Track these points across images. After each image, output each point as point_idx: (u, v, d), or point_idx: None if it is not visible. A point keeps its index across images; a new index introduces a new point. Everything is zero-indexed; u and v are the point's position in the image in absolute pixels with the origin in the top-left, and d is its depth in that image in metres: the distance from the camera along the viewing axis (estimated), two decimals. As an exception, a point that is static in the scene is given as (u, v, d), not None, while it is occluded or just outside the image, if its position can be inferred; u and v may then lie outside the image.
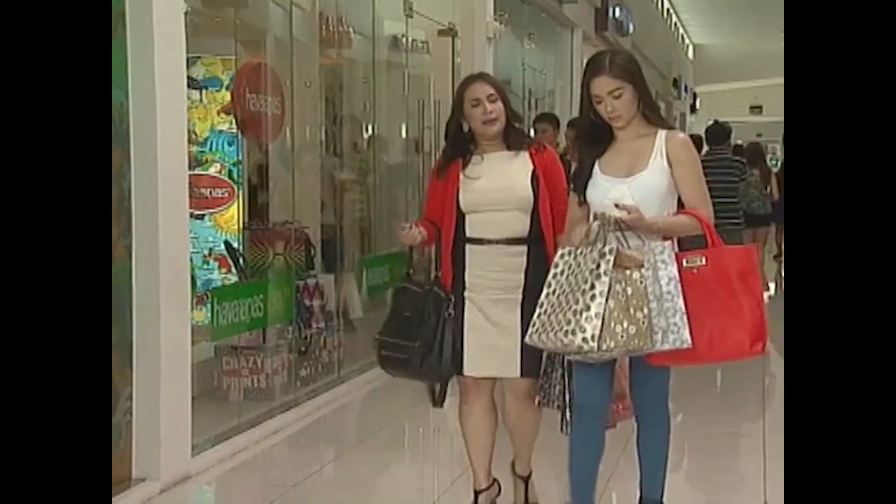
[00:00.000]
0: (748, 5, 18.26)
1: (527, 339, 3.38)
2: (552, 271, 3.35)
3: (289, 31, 6.29)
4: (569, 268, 3.29)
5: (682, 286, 3.26)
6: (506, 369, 3.80)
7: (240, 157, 6.30)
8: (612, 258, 3.22)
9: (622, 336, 3.17)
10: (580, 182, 3.53)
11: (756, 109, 31.93)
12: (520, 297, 3.75)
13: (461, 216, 3.81)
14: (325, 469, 5.06)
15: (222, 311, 5.18)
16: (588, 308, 3.17)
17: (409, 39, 7.90)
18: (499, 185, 3.80)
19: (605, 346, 3.15)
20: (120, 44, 4.14)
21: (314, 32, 6.76)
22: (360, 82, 7.75)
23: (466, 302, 3.81)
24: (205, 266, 6.20)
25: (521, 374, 3.77)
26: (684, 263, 3.29)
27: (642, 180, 3.42)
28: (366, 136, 8.00)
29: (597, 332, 3.14)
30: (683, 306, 3.23)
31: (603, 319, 3.15)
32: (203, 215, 6.19)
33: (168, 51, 4.35)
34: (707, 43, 28.76)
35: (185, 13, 4.58)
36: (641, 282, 3.23)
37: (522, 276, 3.77)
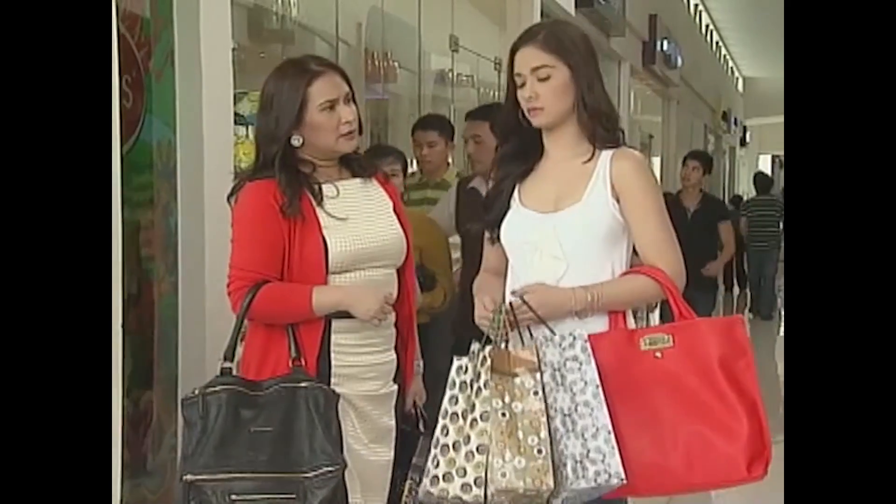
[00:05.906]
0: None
1: (423, 491, 2.33)
2: (449, 393, 2.33)
3: (335, 66, 6.33)
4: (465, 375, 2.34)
5: (638, 381, 2.30)
6: None
7: (285, 192, 6.33)
8: (489, 361, 2.28)
9: (503, 474, 2.18)
10: (494, 213, 2.55)
11: (807, 142, 31.66)
12: (395, 386, 2.72)
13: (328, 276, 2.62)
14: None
15: (268, 346, 5.17)
16: (468, 440, 2.23)
17: (455, 74, 7.92)
18: (377, 228, 2.68)
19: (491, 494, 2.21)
20: (168, 81, 4.18)
21: (360, 68, 6.79)
22: (406, 117, 7.76)
23: (340, 401, 2.58)
24: (251, 301, 6.21)
25: None
26: (641, 345, 2.33)
27: (572, 216, 2.42)
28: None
29: (482, 475, 2.20)
30: (609, 422, 2.24)
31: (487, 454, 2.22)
32: (249, 250, 6.20)
33: (215, 87, 4.37)
34: (757, 76, 28.60)
35: (233, 49, 4.61)
36: (536, 391, 2.25)
37: (394, 354, 2.75)
